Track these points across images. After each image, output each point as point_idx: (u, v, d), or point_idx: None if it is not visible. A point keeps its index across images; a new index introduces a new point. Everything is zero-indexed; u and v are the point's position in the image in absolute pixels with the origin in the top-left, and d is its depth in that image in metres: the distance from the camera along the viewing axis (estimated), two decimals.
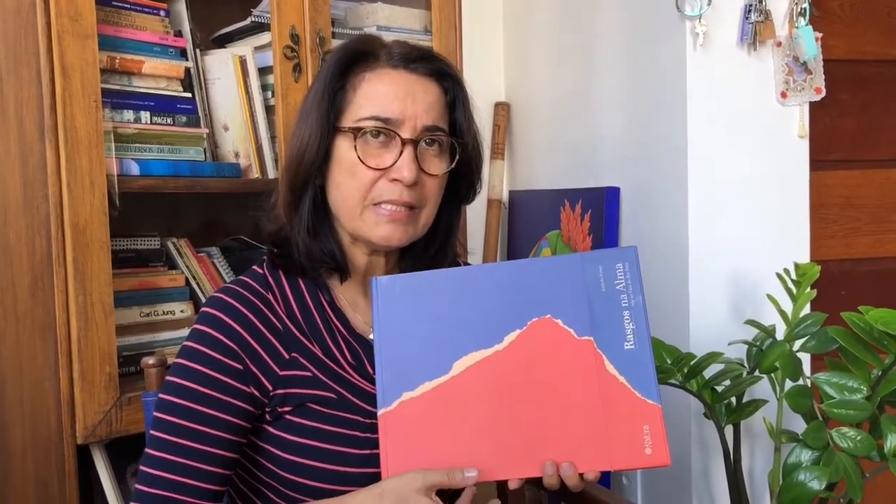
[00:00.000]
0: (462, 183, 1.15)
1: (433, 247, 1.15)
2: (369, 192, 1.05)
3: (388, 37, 1.71)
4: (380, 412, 0.98)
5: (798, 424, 1.32)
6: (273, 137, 1.60)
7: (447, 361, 0.99)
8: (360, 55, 1.08)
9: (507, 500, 1.23)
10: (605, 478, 1.69)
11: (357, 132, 1.04)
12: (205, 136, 1.56)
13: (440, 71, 1.09)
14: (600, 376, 0.98)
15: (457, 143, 1.09)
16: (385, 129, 1.04)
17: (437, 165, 1.08)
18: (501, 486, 1.24)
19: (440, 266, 1.16)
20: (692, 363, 1.32)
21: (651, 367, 0.99)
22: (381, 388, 0.98)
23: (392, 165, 1.04)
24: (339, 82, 1.07)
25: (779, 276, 1.31)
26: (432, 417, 0.97)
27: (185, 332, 1.06)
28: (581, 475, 0.95)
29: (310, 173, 1.07)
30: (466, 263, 1.28)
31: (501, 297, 1.01)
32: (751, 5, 1.48)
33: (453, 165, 1.09)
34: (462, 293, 1.02)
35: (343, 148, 1.06)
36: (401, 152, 1.04)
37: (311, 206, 1.08)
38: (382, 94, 1.05)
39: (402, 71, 1.06)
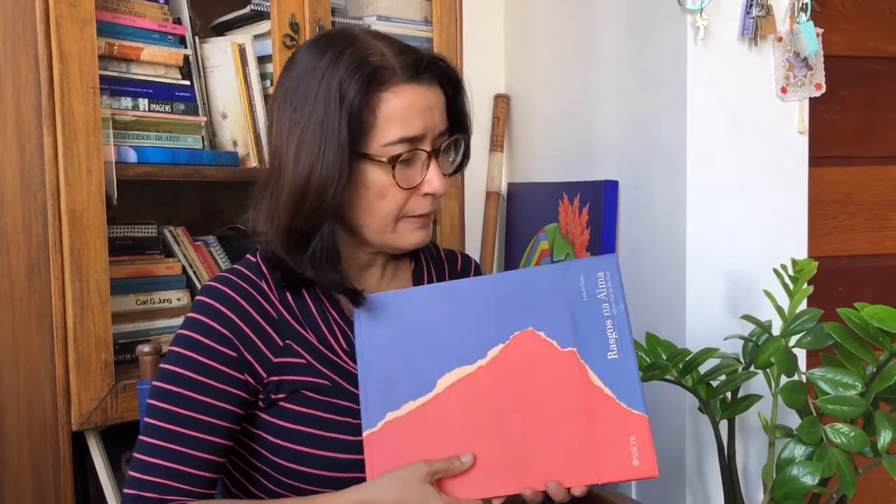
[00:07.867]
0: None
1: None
2: (402, 210, 1.05)
3: (387, 27, 1.72)
4: (365, 433, 0.97)
5: (792, 420, 1.32)
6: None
7: (431, 379, 0.98)
8: (375, 73, 1.01)
9: None
10: None
11: (394, 161, 1.01)
12: (203, 124, 1.55)
13: (444, 74, 1.07)
14: (585, 388, 0.97)
15: (463, 138, 1.10)
16: (414, 150, 1.03)
17: (449, 165, 1.10)
18: None
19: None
20: (688, 359, 1.32)
21: (636, 377, 0.97)
22: (365, 408, 0.98)
23: (422, 182, 1.04)
24: (358, 103, 1.00)
25: (776, 271, 1.31)
26: (418, 436, 0.97)
27: (181, 320, 1.05)
28: (568, 489, 0.96)
29: (332, 206, 1.00)
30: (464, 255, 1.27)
31: (484, 312, 1.00)
32: (752, 0, 1.48)
33: (461, 158, 1.11)
34: (444, 309, 1.01)
35: (370, 172, 1.02)
36: (427, 166, 1.04)
37: (327, 238, 1.03)
38: (404, 112, 1.02)
39: (416, 85, 1.03)
